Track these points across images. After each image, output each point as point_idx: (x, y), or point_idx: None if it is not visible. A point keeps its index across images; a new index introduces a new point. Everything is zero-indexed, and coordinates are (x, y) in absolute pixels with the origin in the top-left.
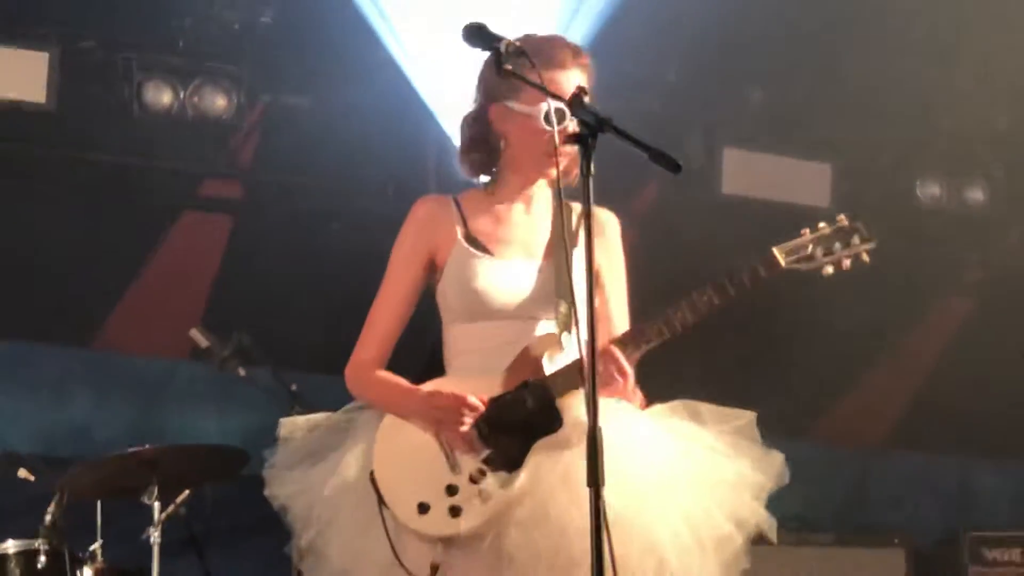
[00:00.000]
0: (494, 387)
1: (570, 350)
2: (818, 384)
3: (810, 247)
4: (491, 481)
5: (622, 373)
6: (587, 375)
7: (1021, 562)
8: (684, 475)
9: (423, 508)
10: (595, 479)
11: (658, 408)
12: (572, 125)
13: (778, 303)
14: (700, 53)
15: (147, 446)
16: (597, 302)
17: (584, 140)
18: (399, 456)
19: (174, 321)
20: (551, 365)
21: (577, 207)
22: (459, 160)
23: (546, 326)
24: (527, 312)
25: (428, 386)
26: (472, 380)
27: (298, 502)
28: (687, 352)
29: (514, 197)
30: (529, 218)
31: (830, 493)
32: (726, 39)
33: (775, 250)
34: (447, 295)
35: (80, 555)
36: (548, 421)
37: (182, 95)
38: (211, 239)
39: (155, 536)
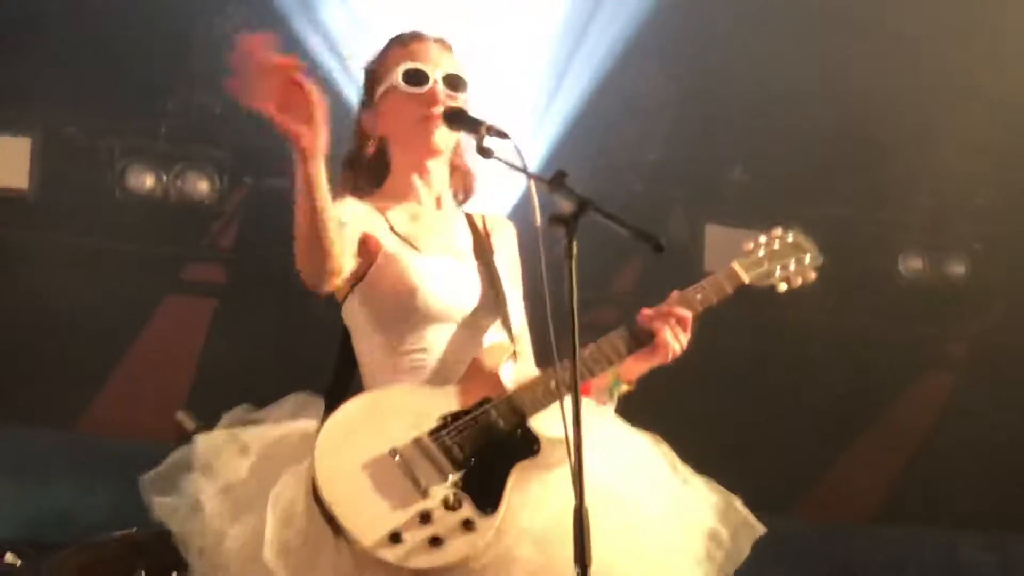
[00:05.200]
0: (450, 401)
1: (520, 363)
2: (803, 460)
3: (766, 264)
4: (473, 509)
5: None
6: (573, 447)
7: None
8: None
9: (395, 537)
10: (582, 557)
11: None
12: (441, 92)
13: (762, 379)
14: (681, 132)
15: (133, 530)
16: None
17: (567, 222)
18: (349, 476)
19: (159, 404)
20: (507, 378)
21: (478, 215)
22: (342, 185)
23: (492, 335)
24: (474, 317)
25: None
26: (425, 392)
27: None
28: (669, 428)
29: (418, 195)
30: (442, 216)
31: (816, 570)
32: (707, 118)
33: (736, 265)
34: (382, 295)
35: None
36: (524, 443)
37: (165, 179)
38: (194, 322)
39: None
